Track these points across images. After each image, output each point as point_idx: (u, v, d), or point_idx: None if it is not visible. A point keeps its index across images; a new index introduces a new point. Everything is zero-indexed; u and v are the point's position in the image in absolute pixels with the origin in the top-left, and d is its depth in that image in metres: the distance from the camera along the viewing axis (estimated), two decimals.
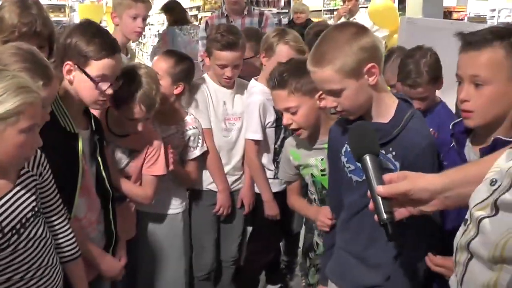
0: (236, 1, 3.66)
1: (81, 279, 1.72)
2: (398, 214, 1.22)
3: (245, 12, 3.58)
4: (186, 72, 2.46)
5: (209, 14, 8.23)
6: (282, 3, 6.55)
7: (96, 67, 1.77)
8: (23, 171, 1.50)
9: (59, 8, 10.04)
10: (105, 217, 1.98)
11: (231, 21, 3.52)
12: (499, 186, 0.92)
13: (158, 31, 14.52)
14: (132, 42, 2.95)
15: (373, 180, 1.21)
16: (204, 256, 2.76)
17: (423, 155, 1.51)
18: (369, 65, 1.48)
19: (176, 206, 2.52)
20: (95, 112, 1.99)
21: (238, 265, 2.89)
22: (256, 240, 2.88)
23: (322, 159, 2.04)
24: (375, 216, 1.20)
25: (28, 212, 1.49)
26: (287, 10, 6.07)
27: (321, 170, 2.06)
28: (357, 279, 1.68)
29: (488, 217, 0.93)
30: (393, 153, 1.51)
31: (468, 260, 0.98)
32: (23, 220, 1.47)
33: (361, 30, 1.54)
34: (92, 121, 1.92)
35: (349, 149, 1.56)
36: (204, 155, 2.58)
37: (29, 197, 1.50)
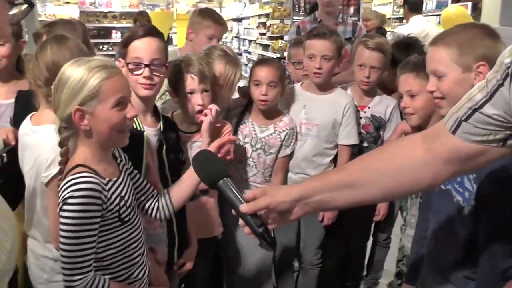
0: (329, 2, 3.53)
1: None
2: (271, 225, 1.24)
3: (339, 20, 3.51)
4: None
5: (277, 21, 8.29)
6: (352, 11, 6.58)
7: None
8: (121, 166, 1.62)
9: (130, 15, 10.48)
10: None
11: None
12: None
13: None
14: None
15: (235, 201, 1.21)
16: (282, 250, 2.82)
17: (500, 181, 1.37)
18: (481, 63, 1.49)
19: None
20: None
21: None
22: None
23: None
24: (246, 229, 1.19)
25: (134, 198, 1.62)
26: (356, 18, 6.09)
27: None
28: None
29: None
30: (474, 175, 1.41)
31: None
32: (133, 203, 1.60)
33: (490, 32, 1.54)
34: (161, 121, 1.97)
35: None
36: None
37: (131, 187, 1.62)
